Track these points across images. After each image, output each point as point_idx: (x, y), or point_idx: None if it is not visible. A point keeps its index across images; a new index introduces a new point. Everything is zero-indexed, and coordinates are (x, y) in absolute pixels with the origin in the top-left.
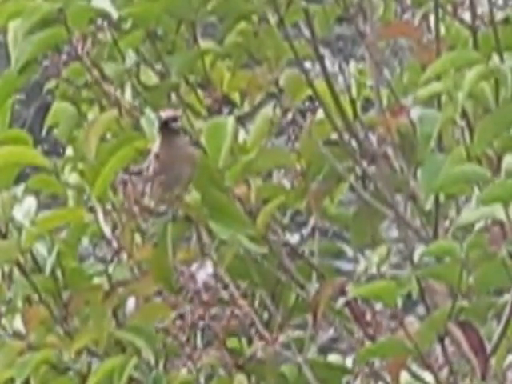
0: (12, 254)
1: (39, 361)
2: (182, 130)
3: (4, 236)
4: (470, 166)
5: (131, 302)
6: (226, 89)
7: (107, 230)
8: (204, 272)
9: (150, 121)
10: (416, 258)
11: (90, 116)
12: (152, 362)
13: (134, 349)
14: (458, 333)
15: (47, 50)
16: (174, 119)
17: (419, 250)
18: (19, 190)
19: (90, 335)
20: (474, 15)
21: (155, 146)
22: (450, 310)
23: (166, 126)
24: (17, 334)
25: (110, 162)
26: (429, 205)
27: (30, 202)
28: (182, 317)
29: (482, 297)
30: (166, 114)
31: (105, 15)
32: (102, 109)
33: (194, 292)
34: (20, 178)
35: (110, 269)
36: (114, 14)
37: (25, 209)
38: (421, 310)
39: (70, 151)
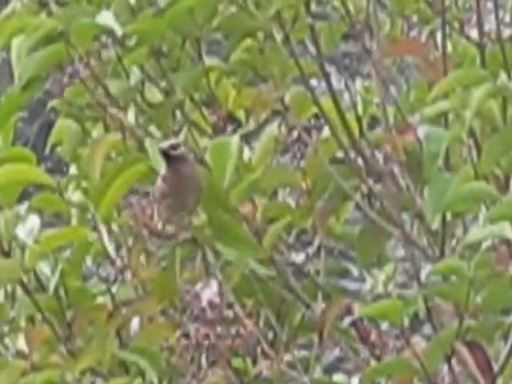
0: (15, 273)
1: (42, 381)
2: (185, 154)
3: (7, 255)
4: (478, 185)
5: (135, 322)
6: (231, 106)
7: (111, 250)
8: (209, 291)
9: (154, 143)
10: (423, 277)
11: (94, 134)
12: (156, 382)
13: (137, 369)
14: (465, 352)
15: (50, 67)
16: (174, 147)
17: (426, 269)
18: (22, 208)
19: (94, 355)
20: (481, 32)
21: (161, 170)
22: (457, 329)
23: (168, 155)
24: (20, 354)
25: (116, 184)
26: (436, 223)
27: (34, 220)
28: (186, 336)
29: (489, 316)
30: (164, 144)
31: (109, 32)
32: (106, 127)
33: (198, 311)
34: (23, 196)
35: (114, 288)
36: (119, 31)
37: (28, 227)
38: (427, 329)
39: (73, 169)
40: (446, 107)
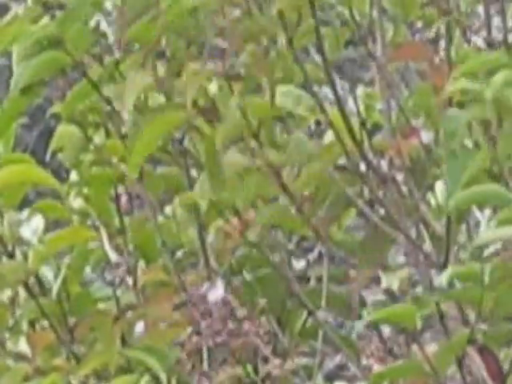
0: (19, 275)
1: None
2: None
3: (11, 256)
4: (492, 187)
5: (140, 327)
6: None
7: (112, 255)
8: (215, 292)
9: None
10: (439, 281)
11: (96, 140)
12: (164, 381)
13: (144, 369)
14: (476, 357)
15: (48, 73)
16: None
17: (446, 272)
18: (24, 213)
19: (99, 358)
20: (489, 32)
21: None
22: (469, 333)
23: None
24: (22, 358)
25: (150, 131)
26: (452, 203)
27: (38, 220)
28: (189, 340)
29: (500, 321)
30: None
31: (104, 36)
32: (108, 133)
33: (204, 312)
34: (24, 204)
35: (118, 293)
36: (111, 37)
37: (32, 228)
38: (427, 337)
39: (74, 176)
40: (468, 86)
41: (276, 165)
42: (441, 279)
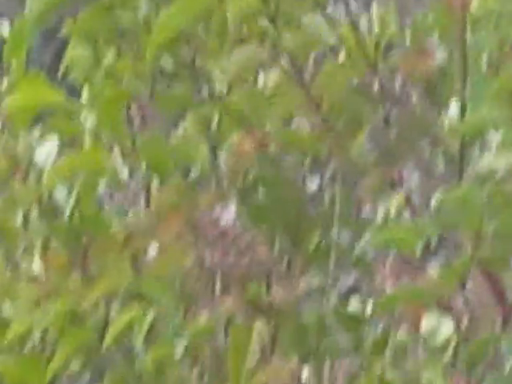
0: (32, 197)
1: (58, 310)
2: None
3: (24, 179)
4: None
5: (150, 250)
6: None
7: (125, 175)
8: (227, 215)
9: None
10: (435, 204)
11: (107, 59)
12: (171, 310)
13: (153, 297)
14: (479, 280)
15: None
16: None
17: (439, 196)
18: (37, 133)
19: (109, 281)
20: None
21: None
22: (471, 257)
23: None
24: (34, 280)
25: None
26: (466, 126)
27: (51, 143)
28: (201, 262)
29: (503, 244)
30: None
31: None
32: (119, 52)
33: (216, 235)
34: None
35: (130, 214)
36: None
37: (46, 151)
38: (435, 263)
39: (86, 95)
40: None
41: (294, 53)
42: (438, 202)
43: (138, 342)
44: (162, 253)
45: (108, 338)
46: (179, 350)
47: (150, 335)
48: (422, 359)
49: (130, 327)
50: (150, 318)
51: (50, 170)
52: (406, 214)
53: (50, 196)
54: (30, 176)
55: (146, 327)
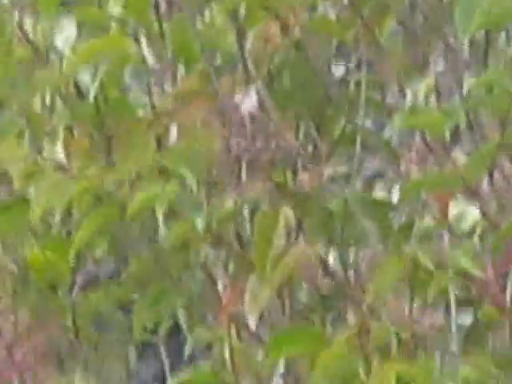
0: (54, 82)
1: (80, 189)
2: None
3: (45, 64)
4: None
5: (175, 133)
6: None
7: (151, 60)
8: (249, 101)
9: None
10: (465, 89)
11: None
12: (195, 189)
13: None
14: (506, 166)
15: None
16: None
17: (468, 81)
18: (61, 18)
19: (133, 163)
20: None
21: None
22: (499, 142)
23: None
24: (58, 165)
25: None
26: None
27: (70, 29)
28: (227, 147)
29: None
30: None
31: None
32: None
33: (238, 122)
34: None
35: (155, 99)
36: None
37: (64, 36)
38: (464, 148)
39: None
40: None
41: None
42: (468, 85)
43: (159, 215)
44: (186, 136)
45: (130, 210)
46: (201, 226)
47: (175, 215)
48: (448, 244)
49: (153, 205)
50: (172, 192)
51: (71, 55)
52: (433, 99)
53: (75, 81)
54: (50, 61)
55: (166, 200)
